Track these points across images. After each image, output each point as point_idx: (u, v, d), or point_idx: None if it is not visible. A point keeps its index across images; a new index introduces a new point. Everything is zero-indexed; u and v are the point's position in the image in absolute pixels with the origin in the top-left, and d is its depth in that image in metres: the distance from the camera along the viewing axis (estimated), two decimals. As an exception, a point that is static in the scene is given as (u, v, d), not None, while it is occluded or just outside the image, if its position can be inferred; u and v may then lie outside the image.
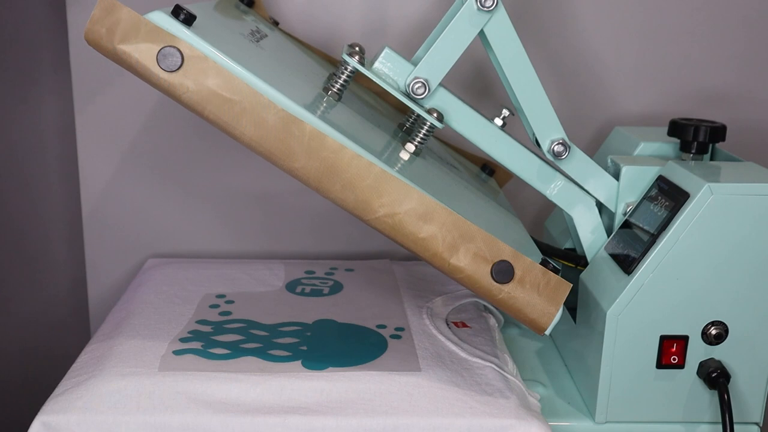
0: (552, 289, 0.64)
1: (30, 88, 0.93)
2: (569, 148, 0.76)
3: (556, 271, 0.66)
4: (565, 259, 0.84)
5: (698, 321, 0.70)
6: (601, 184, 0.78)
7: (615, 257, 0.74)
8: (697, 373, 0.71)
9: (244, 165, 1.01)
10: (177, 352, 0.71)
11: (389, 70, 0.73)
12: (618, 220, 0.78)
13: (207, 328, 0.76)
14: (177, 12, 0.59)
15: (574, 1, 0.97)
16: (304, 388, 0.67)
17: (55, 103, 0.99)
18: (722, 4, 0.98)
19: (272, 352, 0.72)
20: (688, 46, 0.99)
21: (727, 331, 0.70)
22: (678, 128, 0.79)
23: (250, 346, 0.73)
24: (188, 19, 0.60)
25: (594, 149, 0.92)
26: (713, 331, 0.70)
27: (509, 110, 0.77)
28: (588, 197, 0.78)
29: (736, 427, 0.69)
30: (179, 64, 0.58)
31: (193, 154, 1.01)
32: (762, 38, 0.99)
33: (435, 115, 0.71)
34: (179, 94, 0.59)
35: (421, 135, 0.72)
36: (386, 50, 0.73)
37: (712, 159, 0.82)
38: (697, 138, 0.78)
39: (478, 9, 0.71)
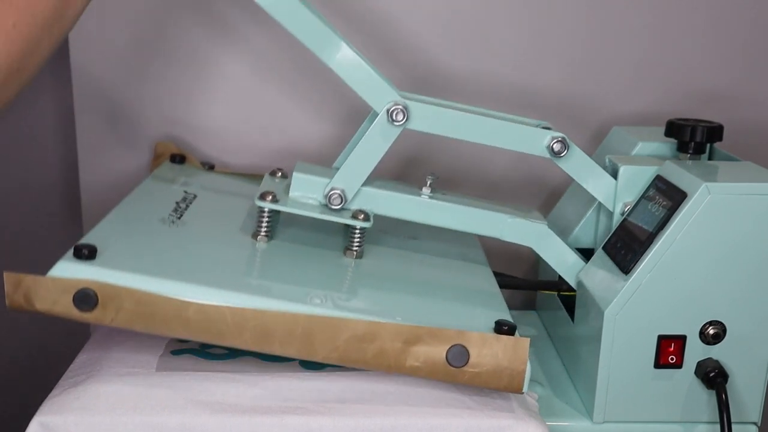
0: (511, 350, 0.65)
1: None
2: (568, 146, 0.76)
3: (511, 331, 0.66)
4: (546, 288, 0.86)
5: (696, 321, 0.70)
6: (599, 184, 0.78)
7: (613, 257, 0.74)
8: (695, 372, 0.71)
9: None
10: (175, 353, 0.71)
11: (305, 191, 0.76)
12: (616, 220, 0.78)
13: (205, 329, 0.76)
14: (78, 252, 0.64)
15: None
16: (301, 388, 0.67)
17: (55, 103, 0.99)
18: (721, 4, 0.98)
19: (270, 352, 0.72)
20: (686, 46, 0.99)
21: (725, 330, 0.70)
22: (675, 128, 0.79)
23: (247, 346, 0.73)
24: (91, 254, 0.64)
25: (592, 149, 0.92)
26: (711, 331, 0.70)
27: (433, 175, 0.79)
28: (539, 225, 0.78)
29: (734, 426, 0.69)
30: (95, 301, 0.62)
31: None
32: (760, 38, 0.99)
33: (362, 216, 0.75)
34: (107, 323, 0.63)
35: (356, 240, 0.76)
36: (295, 175, 0.76)
37: (710, 159, 0.82)
38: (695, 138, 0.78)
39: (389, 122, 0.74)
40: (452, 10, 0.97)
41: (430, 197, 0.78)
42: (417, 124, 0.75)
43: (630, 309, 0.70)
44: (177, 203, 0.81)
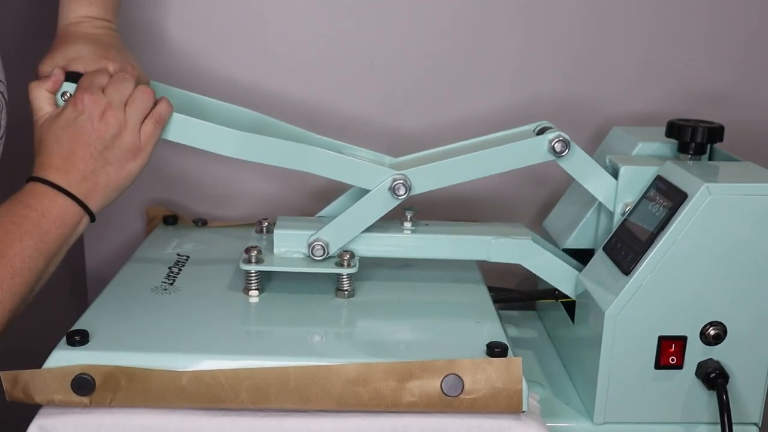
0: (505, 371, 0.65)
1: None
2: (570, 145, 0.76)
3: (503, 352, 0.66)
4: (541, 298, 0.86)
5: (697, 321, 0.70)
6: (600, 184, 0.78)
7: (613, 257, 0.74)
8: (696, 373, 0.71)
9: (241, 175, 1.01)
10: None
11: (289, 246, 0.78)
12: (616, 220, 0.77)
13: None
14: (71, 339, 0.65)
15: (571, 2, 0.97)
16: (301, 390, 0.67)
17: None
18: (721, 6, 0.97)
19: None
20: (687, 47, 0.99)
21: (725, 331, 0.70)
22: (676, 129, 0.79)
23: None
24: (83, 340, 0.66)
25: (592, 149, 0.92)
26: (712, 332, 0.70)
27: (411, 210, 0.80)
28: (524, 242, 0.78)
29: (734, 427, 0.69)
30: (92, 385, 0.63)
31: (193, 158, 1.00)
32: (760, 40, 0.99)
33: (347, 256, 0.76)
34: (107, 405, 0.63)
35: (345, 283, 0.77)
36: (276, 233, 0.78)
37: (710, 159, 0.82)
38: (695, 139, 0.78)
39: (392, 195, 0.75)
40: (453, 10, 0.97)
41: (413, 231, 0.79)
42: (419, 188, 0.76)
43: (630, 310, 0.70)
44: (170, 269, 0.82)
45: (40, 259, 0.65)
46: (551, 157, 0.76)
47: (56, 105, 0.71)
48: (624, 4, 0.97)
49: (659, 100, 0.99)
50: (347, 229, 0.77)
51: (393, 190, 0.75)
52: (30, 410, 0.64)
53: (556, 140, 0.75)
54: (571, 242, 0.84)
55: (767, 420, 0.76)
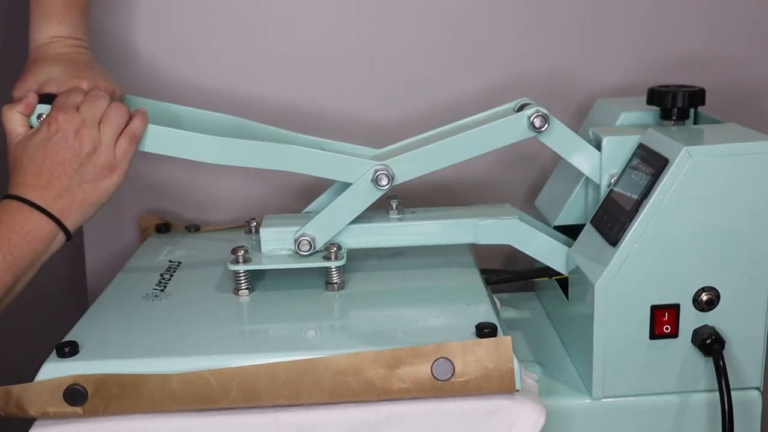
0: (494, 351, 0.64)
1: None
2: (549, 119, 0.75)
3: (492, 332, 0.66)
4: (534, 276, 0.85)
5: (688, 288, 0.69)
6: (584, 157, 0.77)
7: (600, 230, 0.73)
8: (692, 341, 0.70)
9: (230, 178, 1.01)
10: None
11: (276, 244, 0.78)
12: (603, 192, 0.77)
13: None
14: (61, 351, 0.66)
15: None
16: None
17: None
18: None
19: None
20: (662, 12, 0.97)
21: (718, 296, 0.69)
22: (656, 96, 0.78)
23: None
24: (73, 351, 0.66)
25: (578, 124, 0.91)
26: (704, 297, 0.69)
27: (396, 198, 0.79)
28: (511, 222, 0.78)
29: (735, 392, 0.68)
30: (84, 395, 0.63)
31: (182, 166, 1.00)
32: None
33: (334, 249, 0.76)
34: (100, 413, 0.64)
35: (334, 276, 0.77)
36: (263, 231, 0.78)
37: (695, 124, 0.81)
38: (676, 104, 0.77)
39: (375, 187, 0.75)
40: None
41: (399, 219, 0.79)
42: (402, 177, 0.76)
43: (620, 281, 0.69)
44: (161, 275, 0.82)
45: (7, 272, 0.65)
46: (532, 134, 0.75)
47: (30, 127, 0.71)
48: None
49: (643, 71, 0.98)
50: (332, 222, 0.77)
51: (375, 181, 0.75)
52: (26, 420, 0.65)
53: (534, 115, 0.75)
54: (562, 219, 0.83)
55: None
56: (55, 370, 0.64)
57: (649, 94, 0.79)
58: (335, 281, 0.77)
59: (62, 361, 0.65)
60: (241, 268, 0.76)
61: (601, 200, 0.76)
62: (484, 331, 0.66)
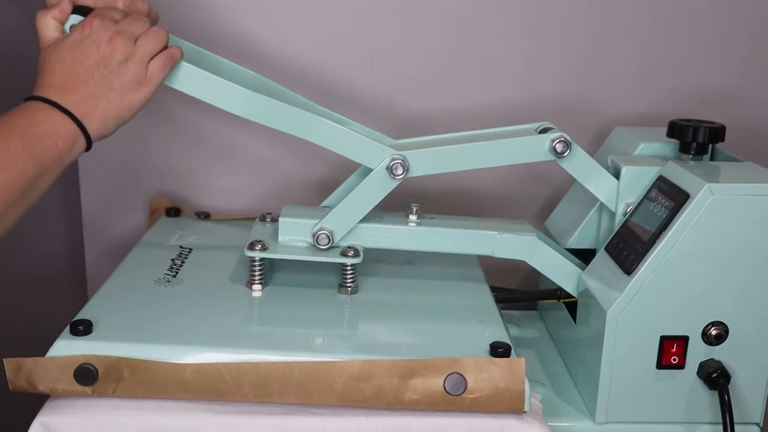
0: (507, 371, 0.65)
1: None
2: (571, 146, 0.76)
3: (506, 352, 0.66)
4: (544, 298, 0.85)
5: (698, 321, 0.70)
6: (602, 184, 0.78)
7: (615, 257, 0.74)
8: (698, 373, 0.71)
9: (243, 169, 1.01)
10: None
11: (293, 235, 0.77)
12: (618, 221, 0.77)
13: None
14: (75, 329, 0.65)
15: (573, 2, 0.97)
16: (304, 389, 0.67)
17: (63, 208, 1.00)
18: (723, 6, 0.97)
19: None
20: (688, 48, 0.99)
21: (727, 331, 0.70)
22: (677, 129, 0.79)
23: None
24: (87, 329, 0.65)
25: (594, 150, 0.92)
26: (713, 332, 0.70)
27: (417, 202, 0.79)
28: (529, 238, 0.78)
29: (736, 427, 0.69)
30: (95, 375, 0.63)
31: (192, 156, 1.01)
32: (762, 40, 0.99)
33: (351, 252, 0.75)
34: (109, 395, 0.64)
35: (349, 276, 0.77)
36: (281, 221, 0.77)
37: (711, 159, 0.82)
38: (697, 139, 0.78)
39: (389, 176, 0.75)
40: (458, 12, 0.97)
41: (418, 224, 0.79)
42: (417, 170, 0.76)
43: (632, 310, 0.70)
44: (173, 260, 0.82)
45: (28, 161, 0.62)
46: (552, 157, 0.76)
47: (63, 33, 0.69)
48: (626, 5, 0.97)
49: (661, 101, 0.99)
50: (349, 214, 0.76)
51: (391, 169, 0.75)
52: (32, 409, 0.64)
53: (557, 141, 0.75)
54: (573, 242, 0.84)
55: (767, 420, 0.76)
56: (67, 348, 0.64)
57: (670, 126, 0.80)
58: (349, 284, 0.77)
59: (75, 339, 0.65)
60: (258, 255, 0.75)
61: (617, 228, 0.77)
62: (498, 350, 0.66)
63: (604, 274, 0.74)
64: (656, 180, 0.75)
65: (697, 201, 0.68)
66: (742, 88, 1.00)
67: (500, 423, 0.65)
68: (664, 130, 0.81)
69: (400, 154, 0.75)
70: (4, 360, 0.63)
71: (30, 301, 1.04)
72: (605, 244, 0.77)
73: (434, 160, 0.77)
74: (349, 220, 0.76)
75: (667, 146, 0.82)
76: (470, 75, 0.99)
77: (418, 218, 0.79)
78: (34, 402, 0.65)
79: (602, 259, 0.76)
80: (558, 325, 0.87)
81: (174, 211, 0.96)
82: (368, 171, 0.76)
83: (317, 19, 0.96)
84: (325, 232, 0.76)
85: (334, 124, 0.75)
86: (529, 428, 0.65)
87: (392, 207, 0.79)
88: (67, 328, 0.66)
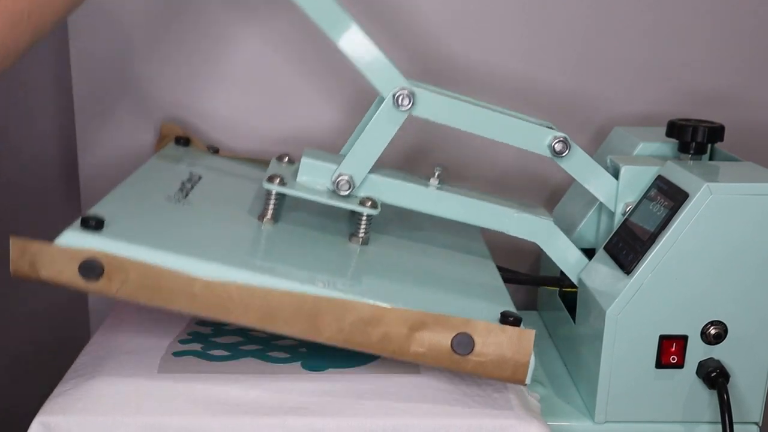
0: (516, 342, 0.65)
1: (28, 94, 0.93)
2: (570, 146, 0.76)
3: (517, 322, 0.66)
4: (547, 284, 0.85)
5: (698, 321, 0.70)
6: (601, 184, 0.78)
7: (614, 257, 0.74)
8: (697, 372, 0.71)
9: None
10: (176, 354, 0.71)
11: (313, 177, 0.76)
12: (617, 220, 0.78)
13: (206, 330, 0.76)
14: (86, 222, 0.63)
15: (573, 0, 0.97)
16: (303, 389, 0.67)
17: (55, 112, 0.99)
18: (723, 6, 0.98)
19: (272, 353, 0.72)
20: (688, 48, 0.99)
21: (726, 330, 0.70)
22: (676, 129, 0.79)
23: (249, 347, 0.73)
24: (98, 225, 0.63)
25: (593, 149, 0.92)
26: (713, 331, 0.70)
27: (441, 166, 0.79)
28: (546, 221, 0.78)
29: (735, 426, 0.69)
30: (100, 271, 0.62)
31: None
32: (761, 39, 0.99)
33: (369, 203, 0.74)
34: (111, 294, 0.62)
35: (362, 226, 0.75)
36: (303, 160, 0.76)
37: (711, 159, 0.82)
38: (696, 138, 0.78)
39: (396, 108, 0.74)
40: (457, 11, 0.97)
41: (438, 188, 0.78)
42: (422, 111, 0.75)
43: (631, 309, 0.70)
44: (183, 182, 0.80)
45: None
46: (549, 154, 0.76)
47: None
48: (626, 4, 0.97)
49: (661, 101, 0.99)
50: (365, 155, 0.75)
51: (397, 100, 0.74)
52: (31, 409, 0.65)
53: (556, 140, 0.76)
54: (573, 241, 0.84)
55: (767, 419, 0.76)
56: (76, 240, 0.62)
57: (669, 126, 0.80)
58: (362, 234, 0.76)
59: (85, 232, 0.63)
60: (276, 188, 0.74)
61: (616, 228, 0.77)
62: (509, 319, 0.66)
63: (604, 274, 0.74)
64: (655, 180, 0.75)
65: (696, 200, 0.68)
66: (742, 88, 1.00)
67: (499, 423, 0.65)
68: (664, 129, 0.81)
69: (408, 85, 0.74)
70: (10, 238, 0.62)
71: (19, 212, 1.01)
72: (604, 244, 0.77)
73: (440, 106, 0.76)
74: (366, 161, 0.75)
75: (666, 146, 0.82)
76: (470, 74, 0.99)
77: (439, 183, 0.79)
78: (34, 402, 0.65)
79: (601, 259, 0.76)
80: (557, 324, 0.87)
81: (184, 141, 0.94)
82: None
83: None
84: (345, 177, 0.75)
85: (363, 33, 0.74)
86: (528, 428, 0.65)
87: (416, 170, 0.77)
88: (78, 220, 0.64)
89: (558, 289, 0.84)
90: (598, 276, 0.75)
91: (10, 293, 0.87)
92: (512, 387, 0.70)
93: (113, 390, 0.66)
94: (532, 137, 0.77)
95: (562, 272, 0.80)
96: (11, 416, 0.78)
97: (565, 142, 0.76)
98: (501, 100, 0.98)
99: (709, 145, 0.81)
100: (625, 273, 0.71)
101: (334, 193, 0.75)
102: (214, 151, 0.96)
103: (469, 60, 0.98)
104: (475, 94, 0.98)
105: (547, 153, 0.77)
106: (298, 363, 0.70)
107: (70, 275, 0.62)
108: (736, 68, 1.00)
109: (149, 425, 0.64)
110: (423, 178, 0.80)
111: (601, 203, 0.80)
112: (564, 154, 0.76)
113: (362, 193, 0.76)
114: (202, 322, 0.78)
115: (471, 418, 0.65)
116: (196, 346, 0.73)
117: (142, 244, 0.63)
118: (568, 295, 0.82)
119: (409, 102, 0.74)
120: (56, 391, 0.67)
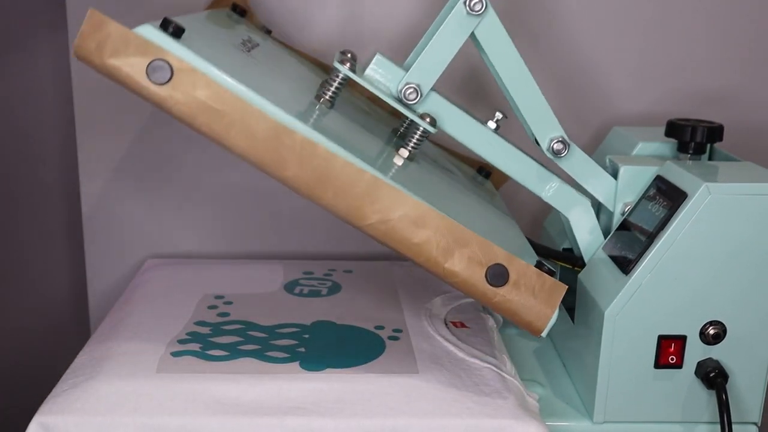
0: (547, 291, 0.64)
1: (29, 84, 0.93)
2: (569, 146, 0.76)
3: (551, 273, 0.66)
4: (561, 260, 0.84)
5: (696, 321, 0.70)
6: (599, 184, 0.78)
7: (613, 257, 0.74)
8: (695, 372, 0.71)
9: (243, 164, 1.00)
10: (175, 354, 0.71)
11: (381, 76, 0.73)
12: (616, 220, 0.78)
13: (205, 330, 0.76)
14: (166, 25, 0.60)
15: (572, 0, 0.97)
16: (302, 389, 0.67)
17: (56, 104, 0.99)
18: (721, 5, 0.98)
19: (270, 353, 0.72)
20: (687, 48, 0.99)
21: (725, 330, 0.70)
22: (675, 129, 0.79)
23: (248, 347, 0.73)
24: (177, 32, 0.60)
25: (592, 149, 0.92)
26: (711, 331, 0.70)
27: (502, 113, 0.77)
28: (584, 198, 0.78)
29: (734, 427, 0.69)
30: (169, 76, 0.58)
31: (192, 153, 1.01)
32: (760, 39, 0.99)
33: (428, 119, 0.71)
34: (169, 106, 0.59)
35: (414, 140, 0.72)
36: (378, 57, 0.73)
37: (710, 159, 0.82)
38: (695, 138, 0.78)
39: (468, 13, 0.72)
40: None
41: (495, 131, 0.77)
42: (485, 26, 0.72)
43: (630, 309, 0.70)
44: (243, 41, 0.77)
45: None
46: (548, 154, 0.76)
47: None
48: (625, 4, 0.97)
49: (660, 101, 0.99)
50: (433, 62, 0.73)
51: (469, 5, 0.71)
52: (30, 409, 0.65)
53: (555, 141, 0.76)
54: (571, 242, 0.84)
55: (767, 419, 0.76)
56: (153, 36, 0.58)
57: (668, 126, 0.80)
58: (411, 147, 0.72)
59: (164, 34, 0.59)
60: (346, 72, 0.69)
61: (614, 228, 0.77)
62: (544, 267, 0.66)
63: (602, 274, 0.74)
64: (654, 179, 0.75)
65: (695, 200, 0.68)
66: (742, 88, 1.00)
67: (498, 423, 0.65)
68: (663, 129, 0.81)
69: None
70: (89, 9, 0.57)
71: (18, 212, 0.99)
72: (603, 244, 0.77)
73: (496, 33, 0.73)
74: (434, 69, 0.73)
75: (665, 146, 0.82)
76: (461, 79, 0.99)
77: (497, 129, 0.77)
78: (34, 402, 0.65)
79: (600, 259, 0.76)
80: (556, 324, 0.87)
81: (240, 11, 0.90)
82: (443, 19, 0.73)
83: None
84: (413, 86, 0.72)
85: None
86: (526, 428, 0.65)
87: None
88: (158, 22, 0.60)
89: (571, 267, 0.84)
90: (596, 276, 0.75)
91: (10, 293, 0.87)
92: (511, 387, 0.70)
93: (112, 390, 0.66)
94: (534, 124, 0.76)
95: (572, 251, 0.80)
96: (10, 416, 0.78)
97: (563, 141, 0.76)
98: (498, 103, 0.99)
99: (708, 145, 0.81)
100: (624, 273, 0.71)
101: (400, 101, 0.73)
102: (267, 32, 0.92)
103: (460, 63, 0.98)
104: (474, 94, 0.99)
105: (546, 154, 0.77)
106: (297, 363, 0.70)
107: (135, 70, 0.58)
108: (736, 68, 1.00)
109: (148, 425, 0.64)
110: (483, 119, 0.77)
111: (599, 203, 0.80)
112: (563, 154, 0.76)
113: (421, 110, 0.74)
114: (201, 323, 0.78)
115: (469, 418, 0.65)
116: (195, 346, 0.73)
117: (218, 66, 0.60)
118: (567, 296, 0.82)
119: (482, 7, 0.71)
120: (55, 391, 0.67)
